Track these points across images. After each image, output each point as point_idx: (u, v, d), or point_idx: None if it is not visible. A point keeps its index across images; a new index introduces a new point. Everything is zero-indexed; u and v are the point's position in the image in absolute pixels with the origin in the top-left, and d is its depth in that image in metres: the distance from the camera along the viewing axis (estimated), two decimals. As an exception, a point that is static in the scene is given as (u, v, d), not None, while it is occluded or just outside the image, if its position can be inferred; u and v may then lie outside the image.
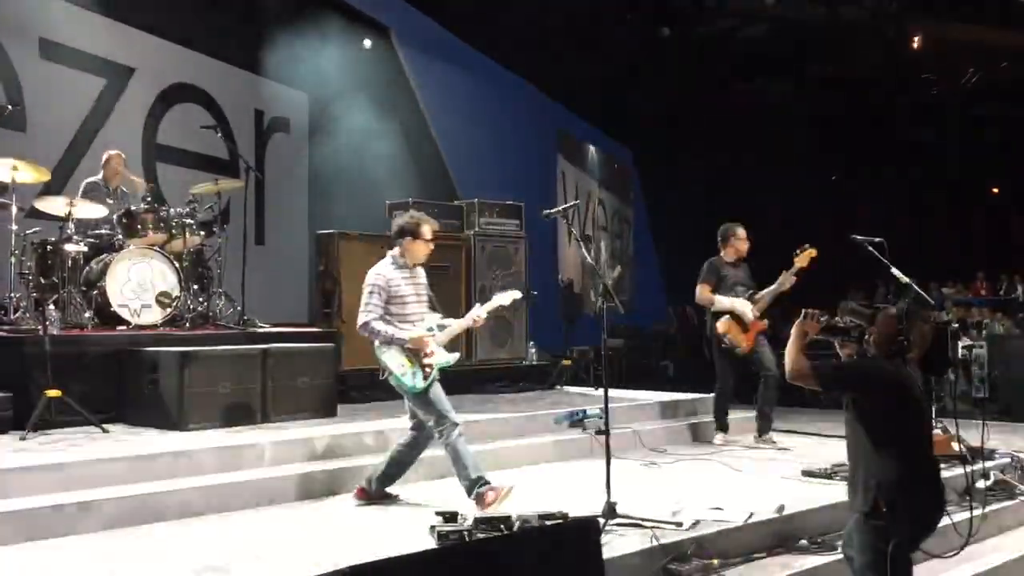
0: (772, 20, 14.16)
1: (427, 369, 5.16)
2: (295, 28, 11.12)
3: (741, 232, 7.51)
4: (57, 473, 4.94)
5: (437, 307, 5.49)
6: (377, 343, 5.21)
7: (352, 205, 10.89)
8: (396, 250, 5.35)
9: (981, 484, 5.98)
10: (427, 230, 5.34)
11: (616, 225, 18.99)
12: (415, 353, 5.17)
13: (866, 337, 4.12)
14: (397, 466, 5.38)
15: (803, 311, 4.20)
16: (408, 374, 5.15)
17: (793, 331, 4.16)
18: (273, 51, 11.50)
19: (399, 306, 5.25)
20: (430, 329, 5.31)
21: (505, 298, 5.57)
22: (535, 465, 6.49)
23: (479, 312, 5.46)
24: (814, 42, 14.58)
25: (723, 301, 7.29)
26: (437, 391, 5.19)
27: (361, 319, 5.20)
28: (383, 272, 5.27)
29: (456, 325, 5.42)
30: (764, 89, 16.07)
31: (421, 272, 5.45)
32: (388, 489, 5.38)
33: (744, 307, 7.27)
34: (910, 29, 14.08)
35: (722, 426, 7.55)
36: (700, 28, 14.40)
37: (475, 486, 5.01)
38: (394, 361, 5.17)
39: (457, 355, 5.44)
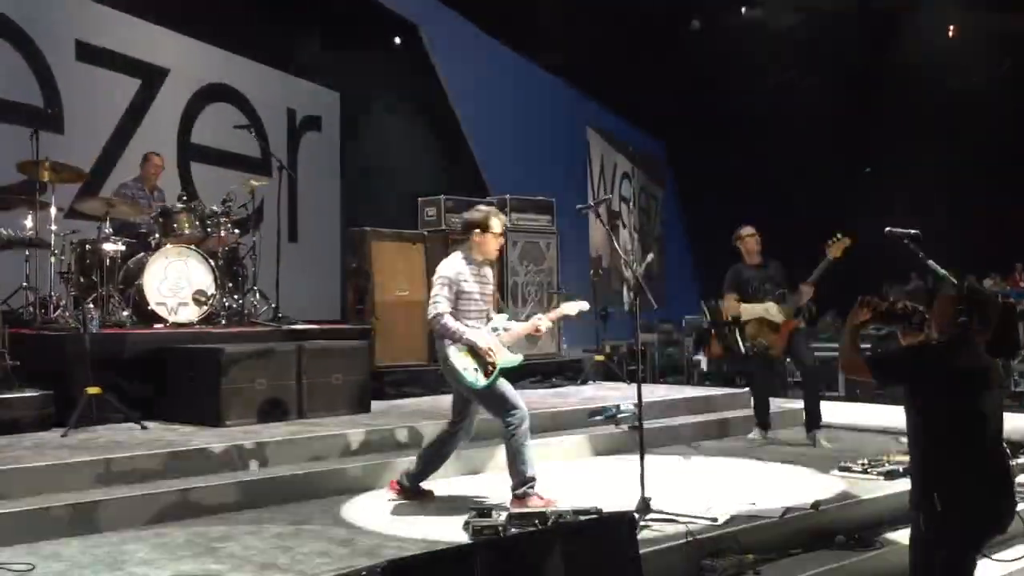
0: (805, 10, 14.02)
1: (490, 367, 5.08)
2: (327, 27, 11.20)
3: (745, 231, 7.41)
4: (98, 469, 5.02)
5: (504, 307, 5.43)
6: (443, 339, 5.12)
7: (383, 202, 10.96)
8: (467, 245, 5.26)
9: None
10: (496, 223, 5.22)
11: (643, 200, 18.86)
12: (479, 352, 5.09)
13: (927, 322, 3.80)
14: (431, 462, 5.38)
15: (859, 298, 3.89)
16: (470, 371, 5.06)
17: (847, 322, 3.89)
18: (305, 50, 11.59)
19: (465, 302, 5.15)
20: (495, 329, 5.25)
21: (571, 308, 5.46)
22: (568, 460, 6.50)
23: (542, 321, 5.33)
24: (848, 32, 14.42)
25: (749, 310, 7.20)
26: (503, 385, 5.11)
27: (432, 311, 5.09)
28: (453, 265, 5.17)
29: (519, 329, 5.35)
30: (797, 80, 15.91)
31: (489, 272, 5.36)
32: (422, 485, 5.40)
33: (771, 311, 7.16)
34: (946, 17, 13.88)
35: (762, 423, 7.41)
36: (732, 20, 14.29)
37: (524, 484, 5.01)
38: (458, 358, 5.08)
39: (521, 357, 5.36)
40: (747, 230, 7.42)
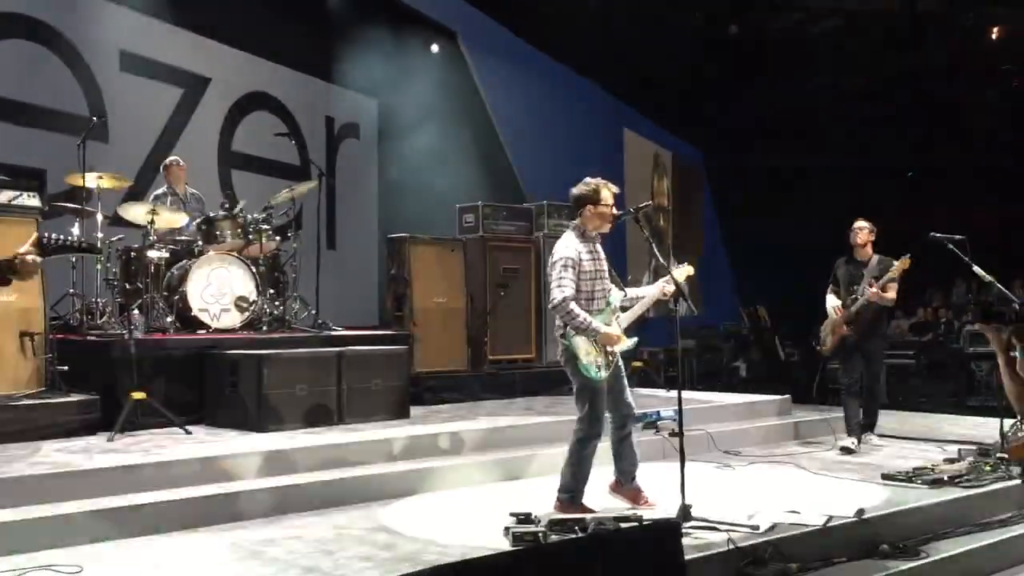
0: (845, 14, 13.88)
1: (609, 357, 4.99)
2: (364, 35, 11.29)
3: (857, 224, 7.34)
4: (143, 473, 5.09)
5: (620, 284, 5.18)
6: (566, 327, 4.94)
7: (421, 209, 11.00)
8: (577, 222, 5.04)
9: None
10: (608, 194, 4.98)
11: (680, 205, 18.72)
12: (602, 343, 4.96)
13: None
14: (623, 458, 5.23)
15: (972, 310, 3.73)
16: (593, 363, 4.92)
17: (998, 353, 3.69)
18: (343, 58, 11.69)
19: (586, 282, 4.93)
20: (614, 309, 5.08)
21: (680, 273, 5.21)
22: (608, 467, 6.46)
23: (664, 287, 5.10)
24: (889, 35, 14.24)
25: (827, 302, 7.32)
26: (603, 395, 5.01)
27: (557, 296, 4.83)
28: (571, 244, 4.92)
29: (637, 309, 5.17)
30: (837, 85, 15.75)
31: (600, 248, 5.12)
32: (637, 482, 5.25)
33: (831, 309, 7.25)
34: (988, 19, 13.67)
35: (848, 429, 7.25)
36: (770, 24, 14.19)
37: (571, 491, 5.02)
38: (582, 348, 4.90)
39: (636, 340, 5.22)
40: (858, 223, 7.33)
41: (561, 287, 4.85)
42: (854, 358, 7.24)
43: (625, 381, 5.23)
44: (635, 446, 5.30)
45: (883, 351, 7.66)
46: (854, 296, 7.14)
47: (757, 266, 15.05)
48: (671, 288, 5.09)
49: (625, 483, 5.25)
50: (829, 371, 9.02)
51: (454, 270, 8.92)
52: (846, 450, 7.06)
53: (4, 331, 5.98)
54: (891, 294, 7.07)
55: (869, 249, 7.27)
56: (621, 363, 5.18)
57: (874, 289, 6.99)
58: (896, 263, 6.97)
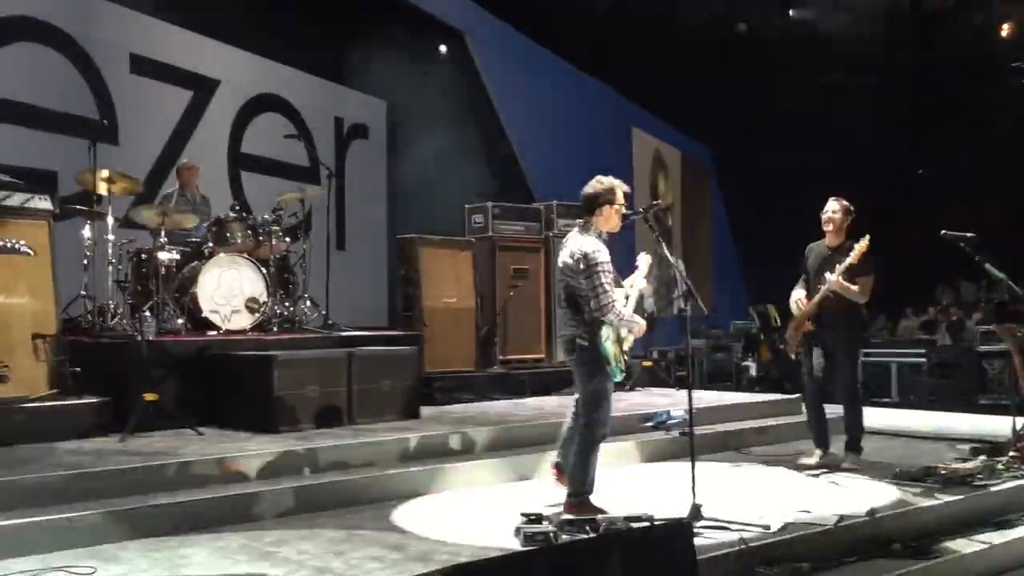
0: (853, 12, 13.85)
1: (625, 357, 5.02)
2: (373, 37, 11.32)
3: (829, 205, 6.32)
4: (155, 474, 5.11)
5: (619, 280, 5.18)
6: (605, 330, 4.87)
7: (430, 209, 11.02)
8: (591, 221, 5.02)
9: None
10: (621, 194, 5.01)
11: (690, 204, 18.68)
12: (619, 341, 4.96)
13: None
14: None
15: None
16: (618, 365, 4.94)
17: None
18: (352, 60, 11.73)
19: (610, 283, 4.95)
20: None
21: (642, 260, 5.29)
22: (618, 467, 6.46)
23: (638, 279, 5.19)
24: (899, 33, 14.21)
25: (792, 295, 6.45)
26: (612, 390, 5.05)
27: (605, 301, 4.80)
28: (599, 247, 4.91)
29: (632, 304, 5.14)
30: (846, 83, 15.72)
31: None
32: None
33: (793, 303, 6.38)
34: (999, 16, 13.63)
35: (814, 439, 6.45)
36: (778, 23, 14.17)
37: (581, 492, 5.01)
38: (612, 353, 4.89)
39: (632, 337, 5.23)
40: (829, 203, 6.33)
41: (607, 293, 4.84)
42: (813, 356, 6.29)
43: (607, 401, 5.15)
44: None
45: (853, 349, 6.40)
46: (819, 287, 6.17)
47: (767, 265, 15.04)
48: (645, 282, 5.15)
49: (566, 470, 5.21)
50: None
51: (464, 270, 8.94)
52: (804, 467, 6.28)
53: (17, 333, 6.01)
54: (857, 288, 6.08)
55: (843, 235, 6.28)
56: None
57: (836, 276, 6.02)
58: (856, 245, 6.01)
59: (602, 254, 4.88)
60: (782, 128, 16.17)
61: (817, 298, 6.16)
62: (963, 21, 13.71)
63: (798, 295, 6.37)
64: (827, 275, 6.08)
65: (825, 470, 6.20)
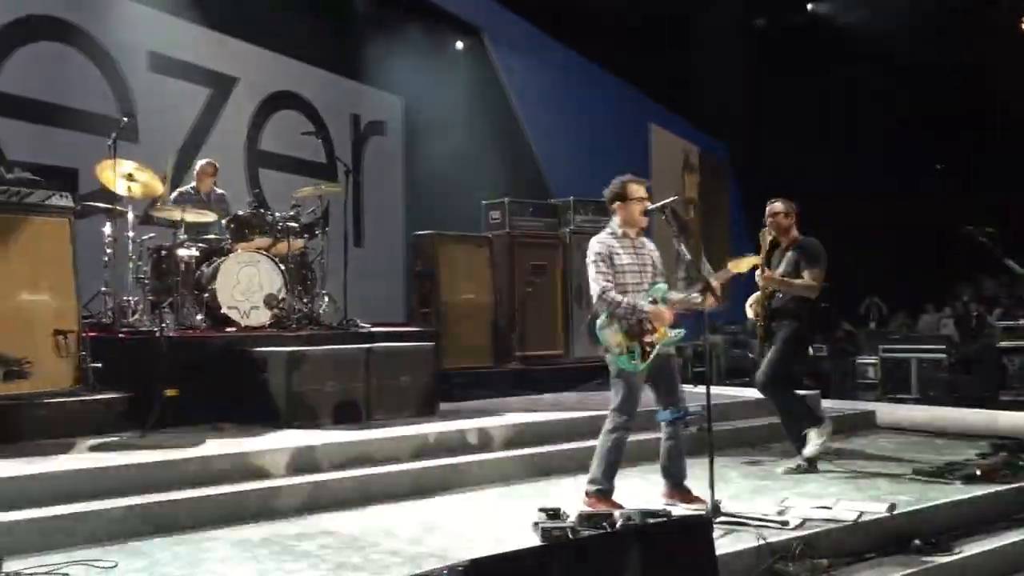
0: (873, 6, 13.76)
1: (647, 348, 4.98)
2: (390, 33, 11.34)
3: (771, 209, 6.37)
4: (175, 469, 5.15)
5: (664, 277, 5.19)
6: (601, 318, 5.01)
7: (447, 206, 11.03)
8: (614, 219, 5.18)
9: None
10: (635, 188, 5.11)
11: (707, 200, 18.60)
12: (637, 331, 4.96)
13: None
14: (668, 460, 5.22)
15: None
16: (626, 353, 4.96)
17: None
18: (369, 57, 11.75)
19: (620, 275, 5.02)
20: (655, 301, 5.04)
21: (742, 265, 5.27)
22: (635, 463, 6.45)
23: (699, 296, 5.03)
24: (918, 28, 14.10)
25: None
26: (637, 388, 5.03)
27: (596, 289, 4.98)
28: (601, 240, 5.10)
29: (681, 298, 5.12)
30: (865, 78, 15.62)
31: (646, 242, 5.23)
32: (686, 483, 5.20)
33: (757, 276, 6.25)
34: (1020, 11, 13.50)
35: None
36: (796, 16, 14.09)
37: (600, 486, 5.03)
38: (612, 340, 4.96)
39: (683, 331, 5.15)
40: (771, 205, 6.38)
41: (596, 280, 5.01)
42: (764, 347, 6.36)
43: (675, 381, 5.17)
44: (682, 452, 5.24)
45: (790, 341, 6.27)
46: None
47: (785, 261, 14.97)
48: (716, 288, 5.03)
49: (669, 487, 5.23)
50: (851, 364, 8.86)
51: (481, 266, 8.95)
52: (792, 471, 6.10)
53: (39, 329, 6.05)
54: (800, 282, 6.13)
55: (793, 233, 6.32)
56: (674, 361, 5.17)
57: (758, 278, 6.19)
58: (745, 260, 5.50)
59: (597, 245, 5.08)
60: (800, 123, 16.09)
61: (759, 295, 6.38)
62: (987, 15, 13.59)
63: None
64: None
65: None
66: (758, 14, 13.66)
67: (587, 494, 5.06)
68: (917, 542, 4.78)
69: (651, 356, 4.99)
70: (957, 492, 5.48)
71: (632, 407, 5.05)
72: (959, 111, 15.70)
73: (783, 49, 14.55)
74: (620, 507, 4.90)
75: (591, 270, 5.04)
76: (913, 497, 5.36)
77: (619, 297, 4.95)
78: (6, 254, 5.91)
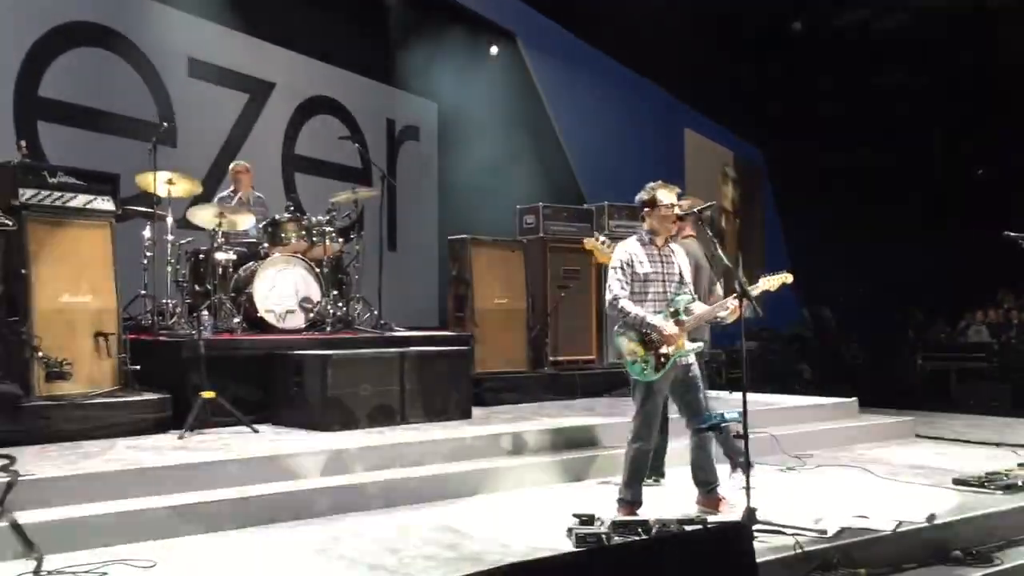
0: (912, 10, 13.60)
1: (661, 359, 4.94)
2: (424, 39, 11.39)
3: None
4: (213, 471, 5.20)
5: (688, 287, 5.14)
6: (617, 325, 5.02)
7: (481, 210, 11.05)
8: (643, 225, 5.13)
9: None
10: (664, 195, 5.04)
11: (742, 205, 18.47)
12: (651, 341, 4.94)
13: None
14: (698, 468, 5.22)
15: None
16: (639, 362, 4.95)
17: None
18: (403, 62, 11.81)
19: (640, 284, 5.00)
20: (675, 312, 5.01)
21: (774, 282, 5.23)
22: (670, 469, 6.42)
23: (730, 300, 5.02)
24: (958, 31, 13.92)
25: None
26: (656, 397, 5.00)
27: (609, 295, 5.01)
28: (628, 248, 5.07)
29: (704, 312, 5.10)
30: (903, 83, 15.44)
31: (676, 250, 5.18)
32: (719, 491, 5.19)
33: None
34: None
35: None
36: (834, 21, 13.96)
37: (630, 494, 5.04)
38: (626, 347, 4.96)
39: (701, 344, 5.18)
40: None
41: (610, 288, 5.04)
42: None
43: (698, 391, 5.12)
44: (711, 458, 5.23)
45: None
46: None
47: (820, 267, 14.85)
48: (734, 304, 4.99)
49: (702, 494, 5.21)
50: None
51: (515, 271, 8.95)
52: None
53: (81, 332, 6.16)
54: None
55: (687, 230, 5.99)
56: (697, 371, 5.13)
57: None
58: None
59: (621, 253, 5.08)
60: (835, 128, 15.94)
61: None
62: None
63: None
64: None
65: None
66: (794, 18, 13.53)
67: (617, 502, 5.04)
68: (957, 553, 4.71)
69: (666, 367, 4.94)
70: (997, 502, 5.39)
71: (651, 417, 5.03)
72: (1001, 114, 15.48)
73: (818, 52, 14.42)
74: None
75: (610, 275, 5.06)
76: (952, 507, 5.28)
77: (629, 306, 4.94)
78: (49, 257, 6.02)
